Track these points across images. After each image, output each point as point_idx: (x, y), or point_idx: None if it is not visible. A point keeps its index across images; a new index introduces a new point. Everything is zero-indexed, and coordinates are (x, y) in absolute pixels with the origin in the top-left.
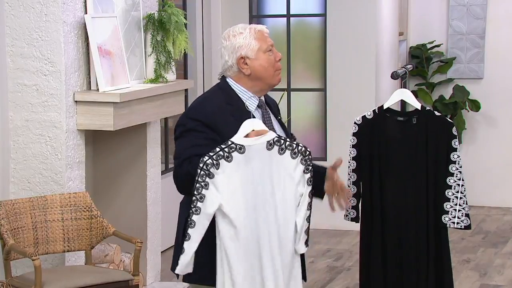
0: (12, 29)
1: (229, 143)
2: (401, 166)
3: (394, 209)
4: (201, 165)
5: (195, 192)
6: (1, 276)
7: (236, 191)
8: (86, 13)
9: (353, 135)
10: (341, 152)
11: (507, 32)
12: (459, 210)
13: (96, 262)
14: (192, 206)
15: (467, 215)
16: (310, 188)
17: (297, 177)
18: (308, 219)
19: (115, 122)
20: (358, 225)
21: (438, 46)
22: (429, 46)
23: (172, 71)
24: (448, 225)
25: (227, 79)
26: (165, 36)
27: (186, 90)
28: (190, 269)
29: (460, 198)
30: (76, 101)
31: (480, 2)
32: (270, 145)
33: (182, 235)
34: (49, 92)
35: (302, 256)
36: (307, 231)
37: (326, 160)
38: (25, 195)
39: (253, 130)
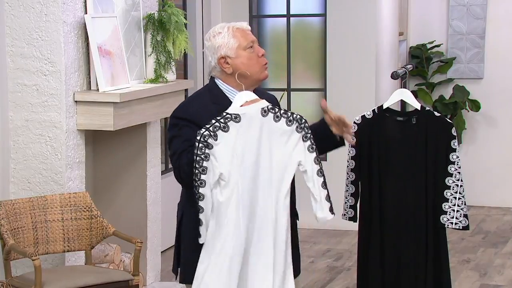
0: (12, 29)
1: (224, 114)
2: (400, 166)
3: (393, 209)
4: (198, 137)
5: (197, 165)
6: (1, 276)
7: (234, 159)
8: (86, 13)
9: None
10: (341, 152)
11: (507, 32)
12: (457, 211)
13: (96, 262)
14: (197, 179)
15: (465, 216)
16: (314, 154)
17: (291, 143)
18: (324, 185)
19: (115, 122)
20: (357, 225)
21: (438, 46)
22: (429, 46)
23: (172, 71)
24: (446, 226)
25: (215, 80)
26: (165, 36)
27: (186, 90)
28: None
29: (459, 198)
30: (76, 101)
31: (480, 2)
32: (264, 111)
33: (178, 237)
34: (49, 92)
35: (297, 250)
36: (328, 198)
37: (326, 160)
38: (25, 195)
39: (246, 101)
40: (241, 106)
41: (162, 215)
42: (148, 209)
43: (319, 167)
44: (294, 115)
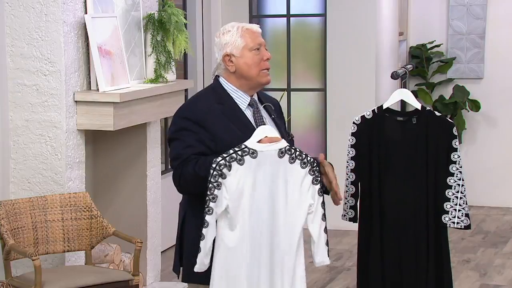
0: (12, 29)
1: (243, 146)
2: (400, 166)
3: (393, 209)
4: (214, 165)
5: (208, 193)
6: (1, 276)
7: (243, 194)
8: (86, 13)
9: (351, 135)
10: (341, 152)
11: (507, 32)
12: (459, 210)
13: (96, 262)
14: (206, 206)
15: (467, 215)
16: (322, 198)
17: (305, 186)
18: (325, 230)
19: (115, 122)
20: (357, 225)
21: (438, 46)
22: (429, 46)
23: (172, 71)
24: (448, 225)
25: (219, 79)
26: (165, 36)
27: (186, 90)
28: (207, 263)
29: (460, 198)
30: (76, 101)
31: (480, 2)
32: (281, 153)
33: (180, 236)
34: (49, 92)
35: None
36: (327, 243)
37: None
38: (25, 195)
39: (265, 136)
40: (260, 140)
41: (162, 215)
42: (148, 209)
43: (323, 212)
44: (308, 158)
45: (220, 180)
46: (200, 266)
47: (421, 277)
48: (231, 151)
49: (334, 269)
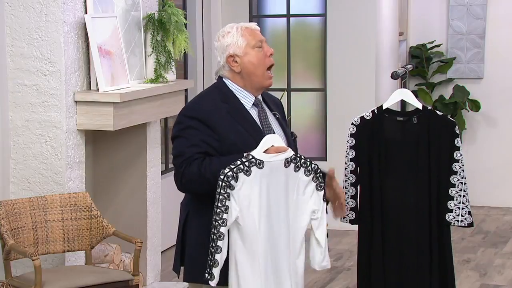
0: (12, 29)
1: (250, 157)
2: (402, 166)
3: (395, 210)
4: (222, 176)
5: (219, 204)
6: (1, 276)
7: (251, 204)
8: (86, 13)
9: (350, 136)
10: (341, 152)
11: (507, 32)
12: (462, 208)
13: (96, 262)
14: (218, 219)
15: (469, 213)
16: (325, 205)
17: (308, 193)
18: (327, 235)
19: (115, 122)
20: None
21: (438, 46)
22: (429, 46)
23: (172, 71)
24: (452, 223)
25: (223, 79)
26: (165, 36)
27: (186, 90)
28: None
29: (463, 196)
30: (76, 101)
31: (480, 2)
32: (287, 162)
33: (182, 235)
34: (49, 92)
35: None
36: (328, 248)
37: (326, 160)
38: (25, 195)
39: (272, 146)
40: (267, 150)
41: (162, 215)
42: (148, 209)
43: (325, 218)
44: (312, 166)
45: (229, 191)
46: (216, 279)
47: (423, 278)
48: (238, 162)
49: (334, 269)
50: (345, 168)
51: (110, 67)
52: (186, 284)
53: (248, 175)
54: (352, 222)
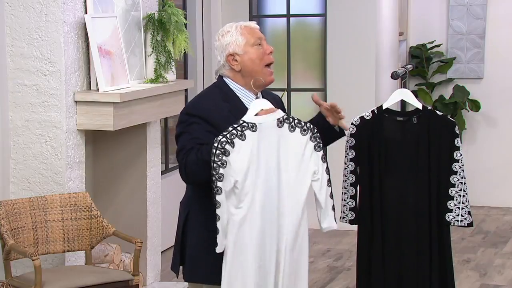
0: (12, 29)
1: (241, 122)
2: (402, 166)
3: (395, 210)
4: (215, 144)
5: (213, 172)
6: (1, 276)
7: (249, 168)
8: (86, 13)
9: (350, 136)
10: (340, 152)
11: (507, 32)
12: (462, 208)
13: (96, 262)
14: (214, 187)
15: (469, 213)
16: (325, 165)
17: (307, 153)
18: (331, 195)
19: (115, 122)
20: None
21: (438, 46)
22: (429, 46)
23: (172, 71)
24: (452, 223)
25: (224, 78)
26: (165, 36)
27: (186, 90)
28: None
29: (463, 196)
30: (76, 101)
31: (480, 2)
32: (280, 122)
33: (182, 235)
34: (49, 92)
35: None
36: (333, 208)
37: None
38: (25, 195)
39: (262, 109)
40: (256, 114)
41: (162, 215)
42: (148, 209)
43: (328, 177)
44: (308, 125)
45: (224, 158)
46: (220, 246)
47: (423, 277)
48: (231, 128)
49: (334, 269)
50: (345, 168)
51: (110, 67)
52: (186, 284)
53: (243, 139)
54: (351, 222)
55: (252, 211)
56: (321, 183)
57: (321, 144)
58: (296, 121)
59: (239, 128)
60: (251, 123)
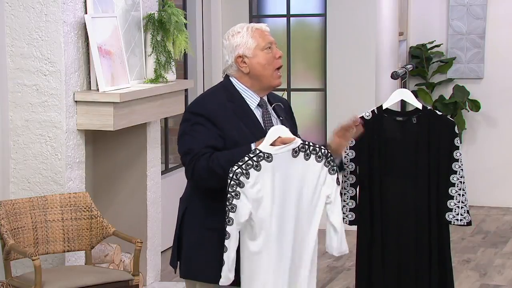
0: (12, 29)
1: (257, 151)
2: (402, 166)
3: (395, 209)
4: (230, 175)
5: (227, 203)
6: (1, 276)
7: (263, 199)
8: (86, 13)
9: None
10: None
11: (507, 32)
12: (461, 207)
13: (96, 262)
14: (226, 217)
15: (468, 212)
16: (339, 187)
17: (322, 179)
18: (343, 220)
19: (115, 122)
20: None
21: (438, 46)
22: (429, 46)
23: (172, 71)
24: (452, 222)
25: (230, 78)
26: (165, 36)
27: (186, 90)
28: (232, 277)
29: (462, 195)
30: (76, 101)
31: (480, 2)
32: (295, 152)
33: (180, 230)
34: (49, 92)
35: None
36: (343, 232)
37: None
38: (25, 195)
39: (279, 137)
40: (273, 143)
41: (162, 215)
42: (148, 209)
43: (340, 201)
44: (323, 150)
45: (238, 189)
46: (225, 280)
47: (423, 277)
48: (246, 158)
49: (334, 269)
50: (345, 169)
51: (110, 67)
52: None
53: (258, 170)
54: (351, 223)
55: (268, 244)
56: (334, 206)
57: (335, 167)
58: (311, 147)
59: (254, 159)
60: (267, 153)
